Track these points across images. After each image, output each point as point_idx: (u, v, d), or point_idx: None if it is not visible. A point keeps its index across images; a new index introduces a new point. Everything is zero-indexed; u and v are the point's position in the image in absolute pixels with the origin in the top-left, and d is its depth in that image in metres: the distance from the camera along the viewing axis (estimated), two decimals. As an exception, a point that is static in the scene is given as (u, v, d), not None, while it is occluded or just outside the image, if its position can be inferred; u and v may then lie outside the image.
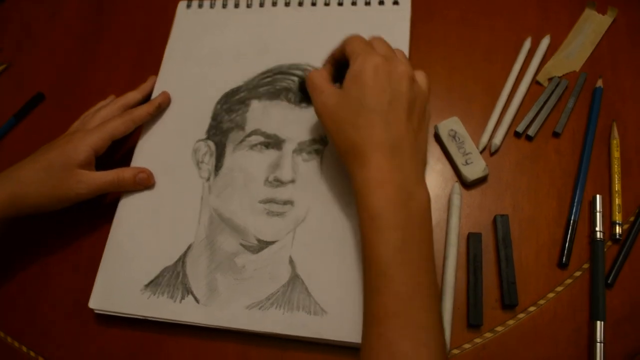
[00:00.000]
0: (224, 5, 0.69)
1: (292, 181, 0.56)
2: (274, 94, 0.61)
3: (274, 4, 0.67)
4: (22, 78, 0.72)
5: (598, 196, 0.53)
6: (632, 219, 0.53)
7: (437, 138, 0.58)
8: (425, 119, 0.51)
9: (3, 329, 0.57)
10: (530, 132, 0.57)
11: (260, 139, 0.58)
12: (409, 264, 0.44)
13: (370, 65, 0.48)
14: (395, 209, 0.45)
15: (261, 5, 0.68)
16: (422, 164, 0.50)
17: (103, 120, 0.59)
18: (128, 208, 0.58)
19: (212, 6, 0.69)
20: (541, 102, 0.58)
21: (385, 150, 0.46)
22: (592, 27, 0.62)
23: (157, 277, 0.54)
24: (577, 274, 0.52)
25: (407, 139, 0.47)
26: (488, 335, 0.50)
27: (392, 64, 0.49)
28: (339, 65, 0.53)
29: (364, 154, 0.47)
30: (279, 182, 0.56)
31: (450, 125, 0.57)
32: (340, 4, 0.65)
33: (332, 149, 0.57)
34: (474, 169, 0.55)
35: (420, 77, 0.52)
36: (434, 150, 0.58)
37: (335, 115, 0.49)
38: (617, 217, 0.53)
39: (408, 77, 0.49)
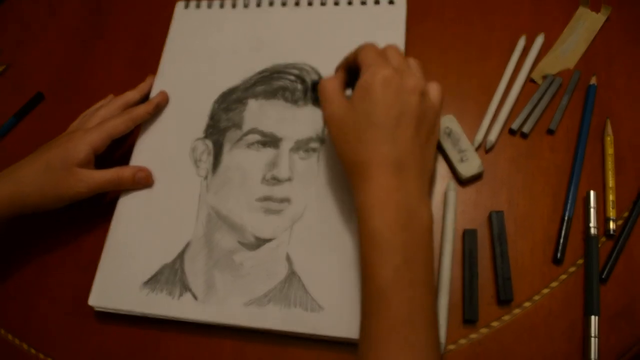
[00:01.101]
0: (222, 5, 0.69)
1: (289, 179, 0.56)
2: (271, 93, 0.61)
3: (271, 3, 0.68)
4: (21, 78, 0.73)
5: (592, 192, 0.53)
6: (625, 214, 0.53)
7: (433, 136, 0.59)
8: (434, 134, 0.50)
9: (3, 326, 0.57)
10: (525, 129, 0.58)
11: (258, 137, 0.59)
12: (408, 286, 0.43)
13: (380, 78, 0.47)
14: (396, 230, 0.44)
15: (258, 5, 0.68)
16: (428, 180, 0.49)
17: (102, 119, 0.60)
18: (127, 206, 0.59)
19: (209, 6, 0.69)
20: (535, 100, 0.59)
21: (389, 167, 0.46)
22: (585, 24, 0.62)
23: (155, 275, 0.55)
24: (572, 269, 0.52)
25: (413, 156, 0.47)
26: (484, 330, 0.51)
27: (403, 78, 0.48)
28: (352, 71, 0.53)
29: (367, 170, 0.46)
30: (276, 180, 0.56)
31: (446, 122, 0.58)
32: (336, 3, 0.66)
33: (329, 148, 0.57)
34: (470, 166, 0.56)
35: (433, 89, 0.51)
36: (429, 148, 0.59)
37: (342, 127, 0.49)
38: (611, 213, 0.53)
39: (418, 91, 0.48)
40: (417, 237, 0.45)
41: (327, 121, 0.51)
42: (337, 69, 0.55)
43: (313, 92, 0.60)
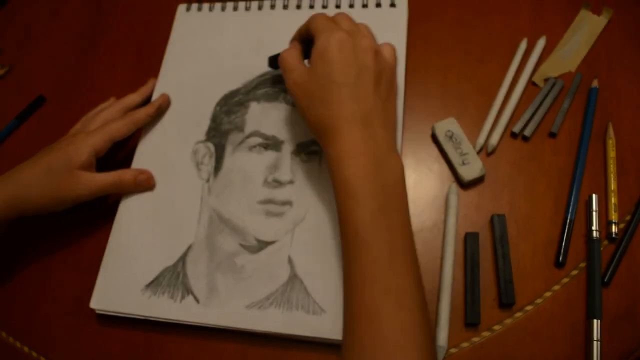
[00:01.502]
0: (223, 8, 0.69)
1: (291, 182, 0.56)
2: (273, 96, 0.61)
3: (273, 6, 0.68)
4: (23, 81, 0.73)
5: (594, 195, 0.53)
6: (628, 218, 0.53)
7: (434, 138, 0.59)
8: (393, 89, 0.53)
9: (5, 329, 0.57)
10: (527, 132, 0.57)
11: (259, 140, 0.59)
12: (385, 229, 0.45)
13: (335, 40, 0.49)
14: (369, 178, 0.46)
15: (259, 8, 0.68)
16: (393, 132, 0.51)
17: (104, 122, 0.60)
18: (129, 209, 0.59)
19: (211, 9, 0.69)
20: (537, 103, 0.59)
21: (356, 123, 0.48)
22: (587, 27, 0.62)
23: (157, 277, 0.55)
24: (574, 272, 0.52)
25: (376, 110, 0.49)
26: (486, 334, 0.51)
27: (356, 39, 0.51)
28: (307, 43, 0.54)
29: (335, 129, 0.48)
30: (277, 183, 0.56)
31: (447, 125, 0.58)
32: (337, 6, 0.66)
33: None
34: (471, 169, 0.56)
35: (387, 49, 0.54)
36: (431, 151, 0.59)
37: (305, 92, 0.51)
38: (613, 216, 0.53)
39: (372, 50, 0.50)
40: (390, 183, 0.47)
41: (290, 89, 0.52)
42: (292, 41, 0.57)
43: (272, 66, 0.61)
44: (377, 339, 0.41)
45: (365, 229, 0.45)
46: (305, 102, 0.51)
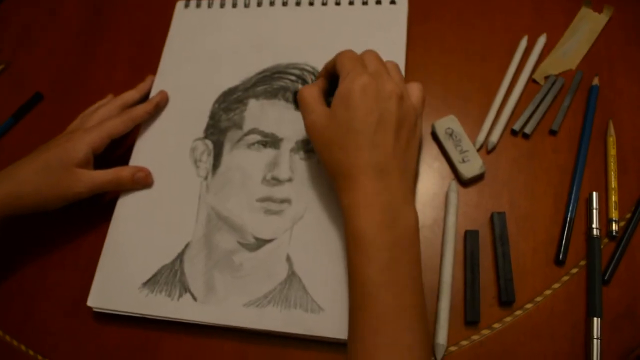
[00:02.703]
0: (222, 5, 0.69)
1: (290, 180, 0.56)
2: (272, 93, 0.61)
3: (272, 3, 0.68)
4: (20, 78, 0.73)
5: (594, 193, 0.53)
6: (628, 215, 0.53)
7: (434, 136, 0.59)
8: (415, 135, 0.51)
9: (1, 327, 0.57)
10: (527, 130, 0.57)
11: (258, 137, 0.59)
12: (394, 284, 0.44)
13: (358, 85, 0.47)
14: (381, 230, 0.45)
15: (259, 4, 0.68)
16: (411, 182, 0.50)
17: (101, 119, 0.60)
18: (126, 207, 0.58)
19: (210, 5, 0.69)
20: (537, 101, 0.58)
21: (371, 173, 0.46)
22: (588, 25, 0.62)
23: (155, 275, 0.54)
24: (574, 270, 0.52)
25: (394, 160, 0.47)
26: (485, 332, 0.50)
27: (381, 83, 0.48)
28: (333, 78, 0.53)
29: (350, 177, 0.47)
30: (276, 181, 0.56)
31: (447, 123, 0.58)
32: (337, 3, 0.66)
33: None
34: (471, 166, 0.56)
35: (414, 89, 0.52)
36: (431, 149, 0.58)
37: (324, 136, 0.49)
38: (614, 214, 0.53)
39: (396, 95, 0.48)
40: (402, 237, 0.46)
41: (308, 131, 0.51)
42: (318, 77, 0.55)
43: (294, 102, 0.60)
44: None
45: (372, 282, 0.44)
46: (322, 146, 0.50)
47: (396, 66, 0.53)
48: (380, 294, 0.43)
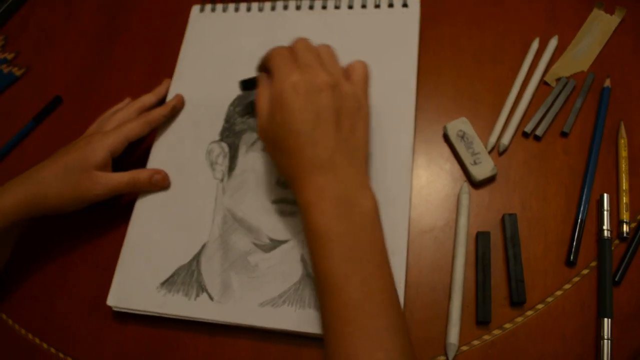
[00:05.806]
0: (236, 9, 0.70)
1: (304, 181, 0.57)
2: (285, 96, 0.62)
3: (286, 7, 0.68)
4: (40, 82, 0.74)
5: (605, 195, 0.53)
6: (639, 217, 0.54)
7: (446, 138, 0.59)
8: (360, 117, 0.50)
9: (24, 326, 0.59)
10: (538, 132, 0.58)
11: (272, 140, 0.59)
12: (357, 273, 0.44)
13: (288, 85, 0.48)
14: (337, 222, 0.45)
15: (273, 8, 0.69)
16: (363, 167, 0.49)
17: (119, 122, 0.61)
18: (144, 208, 0.60)
19: (224, 10, 0.70)
20: (549, 102, 0.59)
21: (316, 170, 0.47)
22: (600, 27, 0.62)
23: (172, 276, 0.55)
24: (585, 272, 0.52)
25: (338, 152, 0.47)
26: (496, 332, 0.51)
27: (312, 76, 0.48)
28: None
29: (299, 178, 0.48)
30: (290, 183, 0.57)
31: (459, 125, 0.58)
32: (350, 7, 0.66)
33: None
34: (483, 168, 0.56)
35: (355, 68, 0.52)
36: (442, 151, 0.59)
37: (268, 140, 0.51)
38: (625, 216, 0.53)
39: (329, 86, 0.48)
40: (360, 225, 0.46)
41: (260, 137, 0.52)
42: (258, 71, 0.56)
43: (245, 89, 0.61)
44: None
45: (335, 274, 0.44)
46: (271, 150, 0.51)
47: (328, 50, 0.52)
48: (345, 285, 0.44)
